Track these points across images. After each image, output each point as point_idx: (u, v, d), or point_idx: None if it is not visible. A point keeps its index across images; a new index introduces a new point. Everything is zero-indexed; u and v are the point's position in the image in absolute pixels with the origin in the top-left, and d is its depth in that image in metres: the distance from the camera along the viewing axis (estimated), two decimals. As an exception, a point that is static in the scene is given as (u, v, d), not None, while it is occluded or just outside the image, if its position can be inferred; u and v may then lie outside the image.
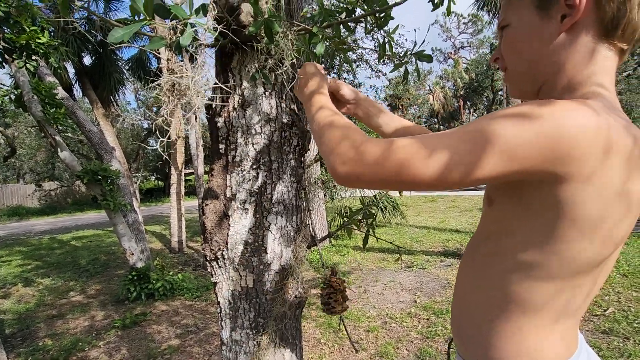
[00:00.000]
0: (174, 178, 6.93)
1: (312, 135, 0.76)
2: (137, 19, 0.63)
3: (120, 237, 4.16)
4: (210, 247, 1.03)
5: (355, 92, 0.90)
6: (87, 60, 7.81)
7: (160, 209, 15.26)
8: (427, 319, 3.19)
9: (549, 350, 0.54)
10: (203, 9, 0.67)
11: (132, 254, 4.22)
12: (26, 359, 2.96)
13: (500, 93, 23.67)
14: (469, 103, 29.03)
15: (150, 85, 0.79)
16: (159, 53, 5.66)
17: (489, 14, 11.90)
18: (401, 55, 0.99)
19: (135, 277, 4.21)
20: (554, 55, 0.55)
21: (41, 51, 3.19)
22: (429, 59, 0.98)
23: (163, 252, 6.81)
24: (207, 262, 1.06)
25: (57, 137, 3.76)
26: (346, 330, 1.26)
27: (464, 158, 0.46)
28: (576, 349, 0.57)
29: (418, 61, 0.99)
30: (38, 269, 5.97)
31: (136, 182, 9.85)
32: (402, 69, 1.02)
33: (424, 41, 0.98)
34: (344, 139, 0.55)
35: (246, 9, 0.89)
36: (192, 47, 0.78)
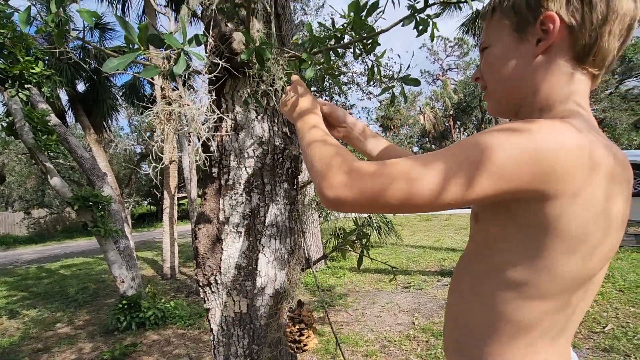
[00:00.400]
0: (166, 202, 6.86)
1: (302, 156, 0.75)
2: (131, 48, 0.65)
3: (111, 265, 4.06)
4: (203, 272, 1.01)
5: (349, 116, 0.91)
6: (80, 87, 7.89)
7: (152, 234, 15.00)
8: (426, 341, 3.12)
9: None
10: (196, 39, 0.69)
11: (123, 282, 4.10)
12: (8, 397, 2.81)
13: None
14: (458, 122, 29.63)
15: (145, 112, 0.80)
16: (153, 80, 5.74)
17: (474, 38, 12.34)
18: (389, 78, 1.02)
19: (125, 306, 4.07)
20: (531, 77, 0.57)
21: (34, 80, 3.22)
22: (415, 82, 1.01)
23: (155, 279, 6.64)
24: (199, 288, 1.04)
25: (48, 164, 3.73)
26: (343, 356, 1.22)
27: (457, 176, 0.46)
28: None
29: (405, 85, 1.02)
30: (24, 299, 5.76)
31: (128, 208, 9.72)
32: (390, 92, 1.05)
33: (409, 66, 1.01)
34: (336, 159, 0.55)
35: (238, 37, 0.92)
36: (185, 75, 0.80)
